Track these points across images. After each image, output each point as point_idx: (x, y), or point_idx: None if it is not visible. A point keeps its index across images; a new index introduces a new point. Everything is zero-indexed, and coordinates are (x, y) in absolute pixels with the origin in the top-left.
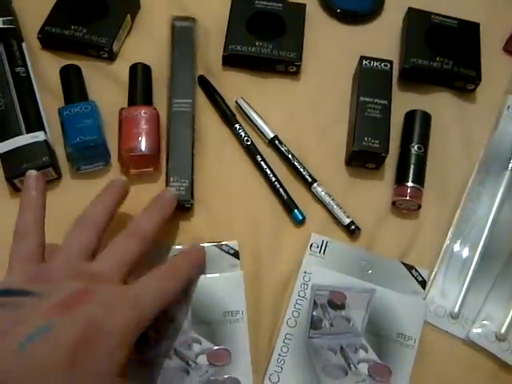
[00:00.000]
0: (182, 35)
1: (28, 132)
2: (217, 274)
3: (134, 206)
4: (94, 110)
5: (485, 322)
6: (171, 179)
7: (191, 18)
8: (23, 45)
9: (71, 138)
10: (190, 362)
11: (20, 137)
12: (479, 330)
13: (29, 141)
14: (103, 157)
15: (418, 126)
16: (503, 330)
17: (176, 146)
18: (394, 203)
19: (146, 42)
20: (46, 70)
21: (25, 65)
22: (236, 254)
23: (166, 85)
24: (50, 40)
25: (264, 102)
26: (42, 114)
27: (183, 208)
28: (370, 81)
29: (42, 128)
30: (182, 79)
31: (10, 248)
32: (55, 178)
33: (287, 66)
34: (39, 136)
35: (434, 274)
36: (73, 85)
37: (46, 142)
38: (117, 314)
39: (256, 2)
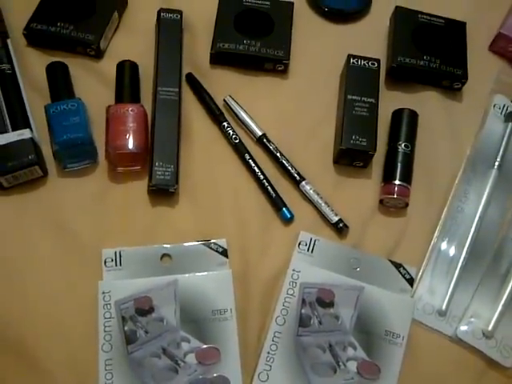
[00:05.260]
0: (169, 26)
1: (14, 129)
2: (205, 273)
3: (122, 204)
4: (81, 107)
5: (472, 319)
6: (156, 164)
7: (178, 11)
8: (8, 41)
9: (58, 136)
10: (179, 361)
11: (5, 134)
12: (466, 328)
13: (14, 138)
14: (90, 155)
15: (405, 124)
16: (490, 328)
17: (162, 133)
18: (381, 201)
19: (133, 39)
20: (31, 67)
21: (10, 62)
22: (224, 253)
23: (153, 81)
24: (35, 37)
25: (252, 100)
26: (28, 111)
27: (167, 193)
28: (358, 79)
29: (27, 125)
30: (167, 68)
31: None
32: (41, 176)
33: (275, 64)
34: (25, 133)
35: (421, 271)
36: (59, 82)
37: (32, 139)
38: None
39: None
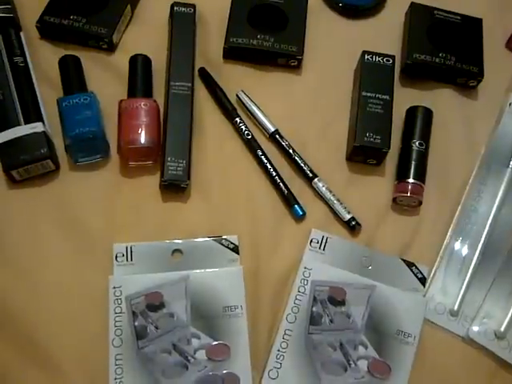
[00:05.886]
0: (182, 20)
1: (26, 123)
2: (216, 269)
3: (133, 199)
4: (94, 101)
5: (484, 320)
6: (168, 159)
7: (191, 5)
8: (21, 34)
9: (70, 130)
10: (189, 357)
11: (18, 127)
12: (478, 328)
13: (27, 132)
14: (102, 149)
15: (420, 122)
16: (503, 329)
17: (174, 128)
18: (394, 199)
19: (146, 33)
20: (44, 59)
21: (23, 54)
22: (236, 249)
23: (165, 75)
24: (48, 30)
25: (265, 95)
26: (41, 104)
27: (179, 188)
28: (372, 76)
29: (40, 119)
30: (180, 63)
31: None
32: (53, 169)
33: (289, 59)
34: (38, 127)
35: (434, 271)
36: (72, 75)
37: (44, 133)
38: None
39: None
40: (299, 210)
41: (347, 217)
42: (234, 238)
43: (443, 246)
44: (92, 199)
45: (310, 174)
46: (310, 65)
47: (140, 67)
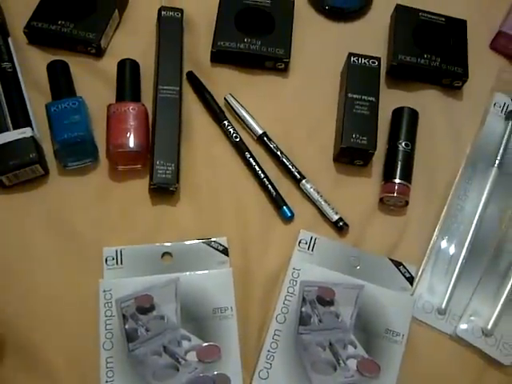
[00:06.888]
0: (169, 24)
1: (15, 128)
2: (206, 271)
3: (123, 203)
4: (82, 105)
5: (472, 317)
6: (157, 162)
7: (179, 9)
8: (9, 39)
9: (58, 135)
10: (180, 359)
11: (6, 133)
12: (466, 326)
13: (16, 137)
14: (91, 153)
15: (406, 122)
16: (490, 326)
17: (162, 131)
18: (381, 200)
19: (134, 37)
20: (32, 65)
21: (11, 60)
22: (225, 251)
23: (153, 79)
24: (36, 35)
25: (253, 98)
26: (29, 109)
27: (168, 191)
28: (358, 77)
29: (28, 124)
30: (168, 67)
31: None
32: (42, 174)
33: (276, 62)
34: (26, 132)
35: (421, 270)
36: (60, 80)
37: (33, 138)
38: None
39: None
40: (287, 212)
41: (335, 217)
42: (223, 240)
43: (430, 246)
44: (81, 203)
45: (298, 176)
46: (297, 67)
47: (128, 71)
